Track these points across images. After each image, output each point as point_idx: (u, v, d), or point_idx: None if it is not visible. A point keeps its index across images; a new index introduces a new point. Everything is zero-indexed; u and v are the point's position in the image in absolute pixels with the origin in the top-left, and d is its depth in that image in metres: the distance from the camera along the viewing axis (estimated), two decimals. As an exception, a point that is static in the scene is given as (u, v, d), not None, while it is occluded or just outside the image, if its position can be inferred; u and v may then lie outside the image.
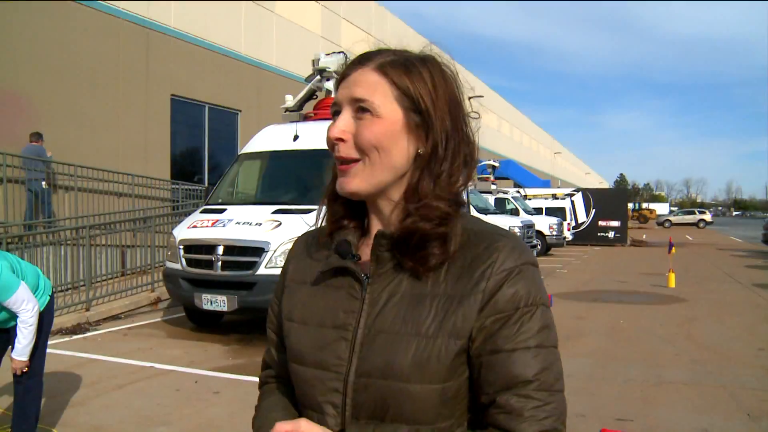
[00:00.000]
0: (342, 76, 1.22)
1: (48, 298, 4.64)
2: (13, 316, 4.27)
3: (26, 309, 4.21)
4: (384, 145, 1.16)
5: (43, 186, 12.40)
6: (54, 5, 13.26)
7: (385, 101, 1.16)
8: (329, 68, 10.64)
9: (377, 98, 1.16)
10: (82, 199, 13.37)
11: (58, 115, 13.31)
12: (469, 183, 1.23)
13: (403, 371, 1.11)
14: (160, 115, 16.27)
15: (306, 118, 10.59)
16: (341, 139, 1.18)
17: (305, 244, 1.39)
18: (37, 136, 12.33)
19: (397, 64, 1.18)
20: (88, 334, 8.95)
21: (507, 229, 1.28)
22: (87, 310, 9.90)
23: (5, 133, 12.10)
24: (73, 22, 13.72)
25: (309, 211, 8.57)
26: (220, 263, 8.38)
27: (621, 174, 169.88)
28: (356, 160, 1.18)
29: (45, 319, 4.54)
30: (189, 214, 10.51)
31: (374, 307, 1.18)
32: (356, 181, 1.18)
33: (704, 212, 69.08)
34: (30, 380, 4.47)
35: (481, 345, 1.13)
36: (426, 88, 1.17)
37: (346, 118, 1.19)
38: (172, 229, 9.73)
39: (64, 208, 13.01)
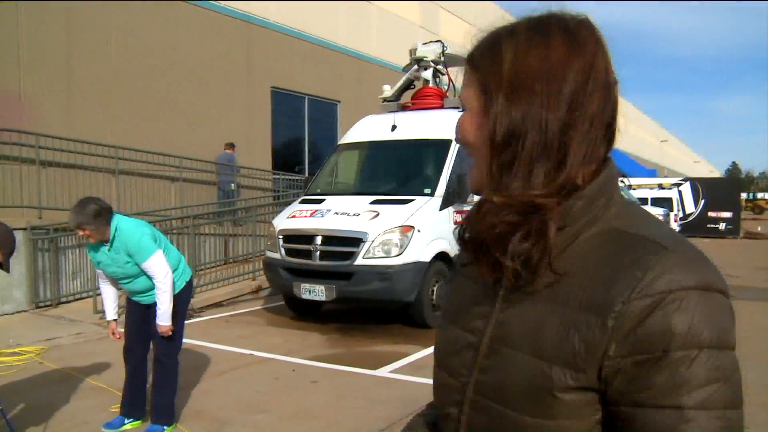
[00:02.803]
0: None
1: (184, 284, 4.99)
2: (152, 287, 4.69)
3: (158, 275, 4.60)
4: (468, 138, 1.06)
5: (232, 187, 14.58)
6: (160, 4, 13.73)
7: (470, 91, 1.05)
8: (426, 57, 10.56)
9: (466, 90, 1.07)
10: (187, 190, 13.83)
11: (165, 109, 13.80)
12: (562, 178, 0.99)
13: (516, 398, 0.98)
14: (261, 107, 16.63)
15: (404, 107, 10.55)
16: (460, 140, 1.11)
17: None
18: (230, 146, 14.49)
19: (482, 46, 1.06)
20: (192, 320, 9.18)
21: (683, 238, 1.02)
22: (192, 297, 10.19)
23: (123, 127, 12.66)
24: (177, 20, 14.19)
25: (407, 202, 8.53)
26: (318, 253, 8.44)
27: (733, 162, 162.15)
28: None
29: (180, 304, 4.91)
30: (289, 204, 10.65)
31: (504, 313, 1.04)
32: (469, 180, 1.10)
33: (827, 203, 65.02)
34: (169, 360, 4.88)
35: (619, 392, 0.91)
36: (498, 64, 1.01)
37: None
38: (273, 219, 9.88)
39: (171, 199, 13.49)
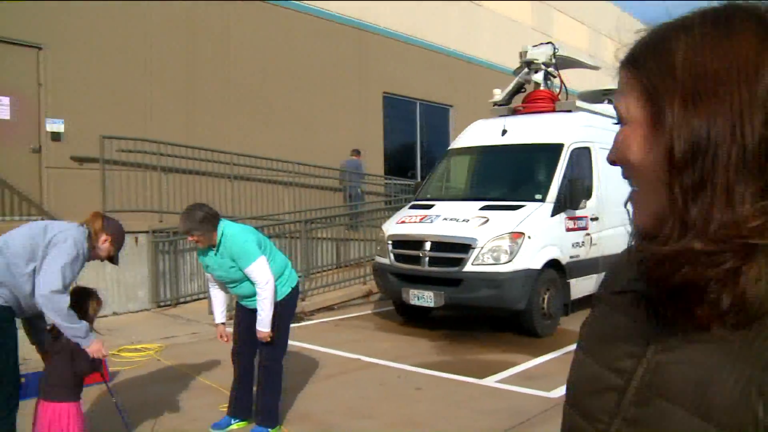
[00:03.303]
0: None
1: (290, 289, 5.08)
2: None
3: (260, 281, 4.69)
4: (631, 157, 0.87)
5: (359, 191, 15.36)
6: (275, 11, 14.19)
7: (631, 99, 0.87)
8: (537, 60, 10.35)
9: (624, 98, 0.89)
10: (301, 194, 14.15)
11: (279, 116, 14.20)
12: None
13: None
14: (373, 113, 16.85)
15: (514, 111, 10.37)
16: (614, 162, 0.93)
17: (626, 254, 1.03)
18: (356, 152, 15.14)
19: (645, 44, 0.88)
20: (303, 323, 9.37)
21: None
22: (303, 300, 10.33)
23: (240, 134, 13.12)
24: (292, 28, 14.59)
25: (517, 207, 8.38)
26: (427, 259, 8.41)
27: None
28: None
29: (285, 309, 5.01)
30: (400, 209, 10.69)
31: (662, 355, 0.85)
32: (638, 214, 0.90)
33: None
34: (273, 364, 4.99)
35: None
36: (669, 64, 0.83)
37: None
38: (383, 224, 9.94)
39: (285, 203, 13.83)
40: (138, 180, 11.33)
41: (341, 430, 5.10)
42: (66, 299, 3.85)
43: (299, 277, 10.47)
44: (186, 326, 9.09)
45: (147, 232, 10.36)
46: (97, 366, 4.22)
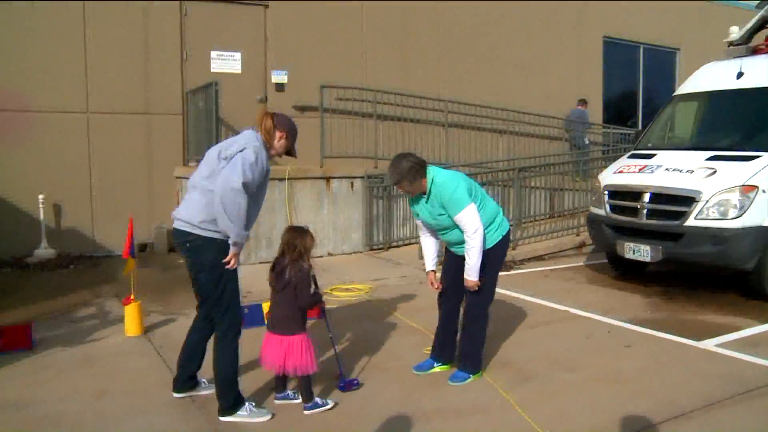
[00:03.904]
0: None
1: (500, 237, 5.00)
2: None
3: (468, 230, 4.66)
4: None
5: (586, 141, 15.21)
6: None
7: None
8: (788, -11, 9.20)
9: None
10: (515, 142, 13.95)
11: (493, 62, 14.09)
12: None
13: None
14: (592, 58, 16.13)
15: (754, 51, 9.36)
16: None
17: None
18: (582, 102, 15.19)
19: None
20: (512, 272, 9.31)
21: None
22: (513, 248, 10.23)
23: (453, 82, 13.13)
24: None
25: (751, 158, 7.65)
26: (645, 211, 7.98)
27: None
28: None
29: (494, 257, 4.95)
30: (618, 158, 10.17)
31: None
32: None
33: None
34: (479, 311, 5.01)
35: None
36: None
37: None
38: (599, 173, 9.53)
39: (498, 151, 13.72)
40: (354, 127, 11.76)
41: (542, 380, 5.00)
42: (242, 199, 3.95)
43: (510, 225, 10.43)
44: (396, 269, 9.38)
45: (362, 177, 10.75)
46: (318, 299, 4.48)
